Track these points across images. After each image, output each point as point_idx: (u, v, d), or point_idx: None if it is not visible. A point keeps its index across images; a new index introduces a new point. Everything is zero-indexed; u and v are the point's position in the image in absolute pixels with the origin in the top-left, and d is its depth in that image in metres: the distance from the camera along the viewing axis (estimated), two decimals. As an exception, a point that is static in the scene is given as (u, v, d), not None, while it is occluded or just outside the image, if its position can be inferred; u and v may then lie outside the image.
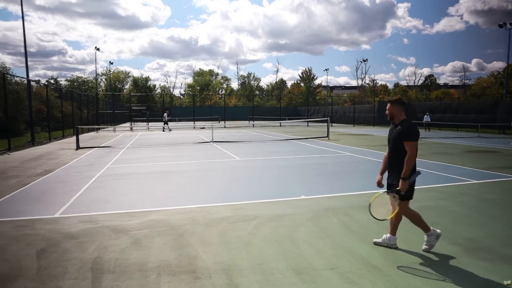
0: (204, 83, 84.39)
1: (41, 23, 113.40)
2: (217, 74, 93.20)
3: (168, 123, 33.27)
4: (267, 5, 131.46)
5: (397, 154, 4.28)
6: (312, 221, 5.63)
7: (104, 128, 35.31)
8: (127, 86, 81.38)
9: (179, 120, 39.00)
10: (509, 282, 3.61)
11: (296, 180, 8.99)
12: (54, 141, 20.96)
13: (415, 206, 6.34)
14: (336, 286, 3.59)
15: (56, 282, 3.67)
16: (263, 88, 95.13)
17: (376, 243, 4.62)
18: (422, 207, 6.37)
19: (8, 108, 17.10)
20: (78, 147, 16.66)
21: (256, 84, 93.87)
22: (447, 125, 31.98)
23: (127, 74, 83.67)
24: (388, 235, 4.56)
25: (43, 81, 52.62)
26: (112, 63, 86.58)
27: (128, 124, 42.97)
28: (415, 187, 4.36)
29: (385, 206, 4.41)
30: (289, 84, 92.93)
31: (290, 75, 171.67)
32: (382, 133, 27.33)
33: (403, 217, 4.49)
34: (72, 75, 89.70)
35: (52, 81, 61.78)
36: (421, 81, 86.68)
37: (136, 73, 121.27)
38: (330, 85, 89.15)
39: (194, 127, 36.17)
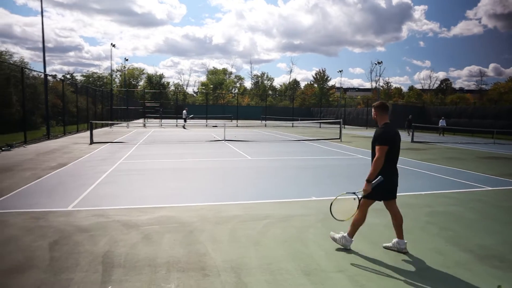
0: (217, 81, 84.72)
1: (59, 19, 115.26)
2: (231, 73, 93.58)
3: (187, 120, 33.57)
4: (282, 5, 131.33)
5: (373, 157, 4.41)
6: (322, 222, 5.62)
7: (117, 123, 35.66)
8: (141, 83, 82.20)
9: (192, 118, 39.16)
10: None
11: (307, 181, 8.97)
12: (68, 135, 21.27)
13: (427, 211, 6.30)
14: (344, 288, 3.58)
15: (67, 274, 3.73)
16: (276, 88, 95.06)
17: (386, 247, 4.59)
18: (433, 212, 6.31)
19: (25, 101, 17.42)
20: (91, 142, 16.88)
21: (269, 84, 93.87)
22: (461, 130, 31.54)
23: (141, 71, 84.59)
24: (396, 239, 4.54)
25: (59, 76, 53.35)
26: (127, 60, 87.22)
27: (141, 121, 43.33)
28: (382, 191, 4.36)
29: (347, 207, 4.50)
30: (302, 84, 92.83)
31: (304, 75, 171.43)
32: (395, 136, 27.02)
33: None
34: (87, 71, 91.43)
35: (68, 76, 62.78)
36: (436, 85, 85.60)
37: (150, 70, 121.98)
38: (343, 87, 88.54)
39: (206, 125, 36.32)
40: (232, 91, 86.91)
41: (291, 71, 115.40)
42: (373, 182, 4.25)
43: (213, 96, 78.78)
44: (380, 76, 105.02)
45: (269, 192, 7.66)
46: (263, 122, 45.95)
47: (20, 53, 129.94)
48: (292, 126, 40.25)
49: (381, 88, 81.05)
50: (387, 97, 68.06)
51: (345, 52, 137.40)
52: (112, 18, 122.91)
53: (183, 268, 3.92)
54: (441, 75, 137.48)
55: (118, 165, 10.57)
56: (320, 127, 40.73)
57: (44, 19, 21.30)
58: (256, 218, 5.74)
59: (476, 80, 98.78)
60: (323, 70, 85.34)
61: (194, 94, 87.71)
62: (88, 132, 18.39)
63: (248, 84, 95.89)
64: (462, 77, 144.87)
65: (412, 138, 21.85)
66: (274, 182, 8.78)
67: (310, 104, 74.02)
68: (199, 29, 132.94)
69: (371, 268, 4.03)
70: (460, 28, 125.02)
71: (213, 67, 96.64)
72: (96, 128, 27.40)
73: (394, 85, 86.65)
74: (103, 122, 30.94)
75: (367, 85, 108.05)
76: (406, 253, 4.45)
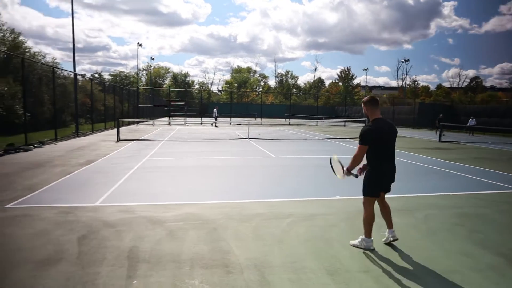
0: (241, 80, 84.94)
1: (88, 20, 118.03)
2: (255, 71, 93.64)
3: (217, 118, 34.00)
4: (307, 3, 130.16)
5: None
6: (345, 222, 5.55)
7: (143, 121, 36.29)
8: (166, 82, 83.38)
9: (217, 117, 39.55)
10: None
11: (332, 180, 8.84)
12: (96, 133, 21.82)
13: (455, 213, 6.12)
14: (369, 289, 3.52)
15: (94, 267, 3.83)
16: (301, 87, 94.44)
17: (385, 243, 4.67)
18: (462, 213, 6.12)
19: (56, 100, 17.98)
20: (118, 139, 17.25)
21: (293, 83, 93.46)
22: (492, 129, 30.49)
23: (167, 70, 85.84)
24: (388, 230, 4.68)
25: (88, 75, 54.83)
26: (153, 59, 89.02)
27: (166, 119, 43.95)
28: (376, 186, 4.47)
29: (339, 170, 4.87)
30: (327, 83, 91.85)
31: (328, 74, 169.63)
32: (422, 135, 26.43)
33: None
34: (115, 70, 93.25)
35: (96, 75, 64.37)
36: (465, 83, 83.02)
37: (175, 69, 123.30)
38: (369, 85, 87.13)
39: (230, 123, 36.50)
40: (256, 89, 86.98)
41: (315, 69, 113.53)
42: (353, 173, 4.57)
43: (237, 94, 79.04)
44: (406, 74, 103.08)
45: (293, 190, 7.63)
46: (287, 120, 45.78)
47: (52, 53, 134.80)
48: (316, 125, 39.93)
49: (408, 86, 79.33)
50: (413, 96, 66.47)
51: (370, 50, 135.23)
52: (139, 18, 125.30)
53: (207, 265, 3.95)
54: (471, 72, 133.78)
55: (144, 162, 10.76)
56: (344, 125, 40.25)
57: (74, 20, 21.80)
58: (279, 217, 5.73)
59: (508, 78, 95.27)
60: (348, 68, 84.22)
61: (219, 93, 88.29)
62: (115, 130, 18.81)
63: (272, 82, 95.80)
64: (494, 74, 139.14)
65: (440, 138, 21.31)
66: (297, 180, 8.74)
67: (334, 103, 73.13)
68: (224, 28, 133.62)
69: (396, 269, 3.95)
70: (493, 24, 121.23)
71: (238, 65, 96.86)
72: (122, 126, 27.93)
73: (421, 84, 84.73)
74: (130, 120, 31.54)
75: (393, 83, 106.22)
76: (396, 240, 4.61)
